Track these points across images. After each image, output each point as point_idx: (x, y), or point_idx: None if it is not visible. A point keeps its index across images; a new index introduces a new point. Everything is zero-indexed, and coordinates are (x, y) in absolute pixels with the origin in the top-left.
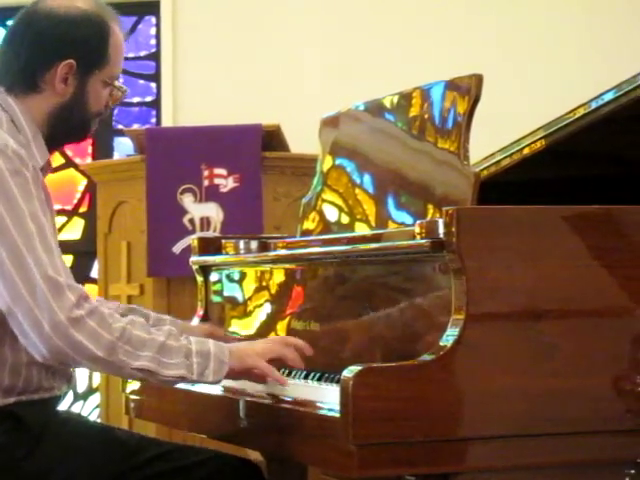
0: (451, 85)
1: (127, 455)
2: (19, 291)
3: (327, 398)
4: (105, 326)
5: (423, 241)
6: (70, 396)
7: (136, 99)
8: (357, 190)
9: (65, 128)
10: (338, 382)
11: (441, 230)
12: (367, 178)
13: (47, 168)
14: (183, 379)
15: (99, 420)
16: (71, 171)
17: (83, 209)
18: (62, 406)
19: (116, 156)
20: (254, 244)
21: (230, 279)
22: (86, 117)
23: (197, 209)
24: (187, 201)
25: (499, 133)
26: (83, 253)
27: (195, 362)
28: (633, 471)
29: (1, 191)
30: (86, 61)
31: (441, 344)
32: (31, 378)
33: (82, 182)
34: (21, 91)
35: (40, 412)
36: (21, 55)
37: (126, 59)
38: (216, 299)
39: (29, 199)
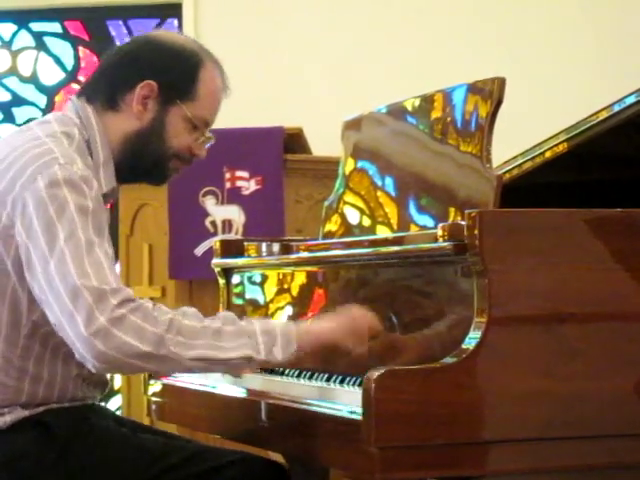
0: (473, 88)
1: (152, 462)
2: (64, 302)
3: (349, 400)
4: (150, 320)
5: (445, 244)
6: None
7: None
8: (379, 193)
9: (138, 157)
10: (360, 385)
11: (464, 233)
12: (389, 181)
13: (110, 196)
14: (249, 360)
15: None
16: None
17: None
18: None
19: None
20: (276, 247)
21: (252, 282)
22: (162, 151)
23: (219, 211)
24: (209, 203)
25: (519, 136)
26: None
27: (261, 341)
28: None
29: (60, 208)
30: (168, 87)
31: (463, 347)
32: (66, 390)
33: None
34: (101, 107)
35: (69, 420)
36: (108, 71)
37: None
38: (238, 301)
39: (86, 216)
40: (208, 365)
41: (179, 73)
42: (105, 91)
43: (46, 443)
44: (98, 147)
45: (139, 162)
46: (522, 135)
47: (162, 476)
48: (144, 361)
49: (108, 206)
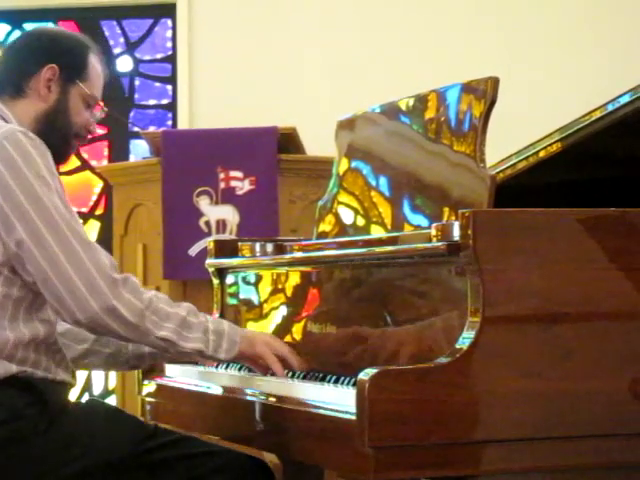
0: (467, 88)
1: (143, 438)
2: (58, 260)
3: (343, 401)
4: (137, 294)
5: (439, 244)
6: (86, 398)
7: (152, 102)
8: (373, 192)
9: (48, 136)
10: (354, 385)
11: (457, 233)
12: (383, 180)
13: None
14: (200, 353)
15: None
16: (87, 173)
17: (99, 211)
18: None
19: (132, 158)
20: (270, 247)
21: (246, 282)
22: (67, 129)
23: (213, 211)
24: (203, 203)
25: (514, 135)
26: None
27: (211, 339)
28: None
29: (34, 169)
30: (68, 69)
31: (457, 347)
32: (40, 356)
33: (98, 184)
34: (9, 96)
35: (57, 391)
36: (9, 64)
37: (143, 62)
38: (232, 302)
39: (54, 178)
40: (168, 347)
41: (74, 56)
42: (11, 81)
43: (41, 410)
44: None
45: (49, 141)
46: (516, 135)
47: (148, 454)
48: (121, 326)
49: None
